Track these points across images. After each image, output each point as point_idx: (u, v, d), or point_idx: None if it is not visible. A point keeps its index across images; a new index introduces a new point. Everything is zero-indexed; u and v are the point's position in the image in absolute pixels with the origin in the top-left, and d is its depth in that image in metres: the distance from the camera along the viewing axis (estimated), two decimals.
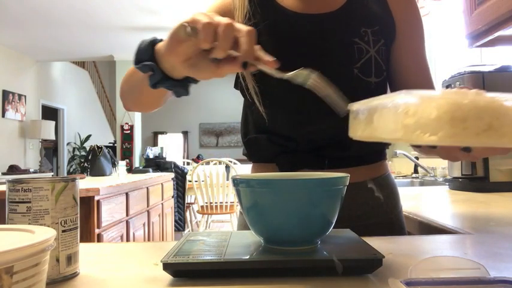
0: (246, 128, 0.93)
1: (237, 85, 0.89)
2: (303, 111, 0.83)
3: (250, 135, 0.91)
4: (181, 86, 0.60)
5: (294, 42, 0.82)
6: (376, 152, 0.90)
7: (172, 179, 4.06)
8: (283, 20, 0.83)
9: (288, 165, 0.84)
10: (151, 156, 5.54)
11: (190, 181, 4.65)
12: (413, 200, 1.31)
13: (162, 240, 3.47)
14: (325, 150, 0.84)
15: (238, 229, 0.95)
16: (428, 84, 0.88)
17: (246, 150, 0.94)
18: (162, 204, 3.54)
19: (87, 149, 8.51)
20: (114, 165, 3.45)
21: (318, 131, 0.83)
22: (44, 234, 0.39)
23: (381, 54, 0.82)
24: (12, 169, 6.60)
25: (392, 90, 0.90)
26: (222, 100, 11.53)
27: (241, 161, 3.97)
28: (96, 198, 2.14)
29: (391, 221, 0.88)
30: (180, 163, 5.64)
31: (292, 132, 0.84)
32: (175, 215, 4.46)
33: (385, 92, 0.85)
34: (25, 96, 7.41)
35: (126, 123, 7.52)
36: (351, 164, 0.85)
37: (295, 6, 0.84)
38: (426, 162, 2.45)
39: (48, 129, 7.41)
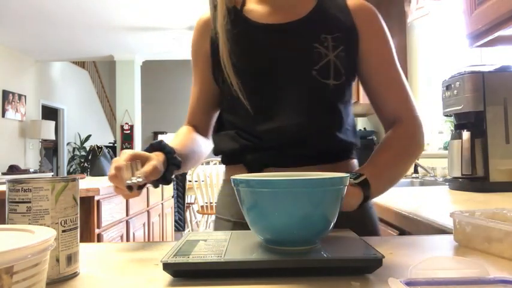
0: (218, 124, 1.00)
1: (218, 82, 0.93)
2: (265, 108, 0.87)
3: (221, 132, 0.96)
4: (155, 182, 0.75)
5: (258, 50, 0.89)
6: (342, 150, 0.92)
7: (172, 178, 4.05)
8: (248, 30, 0.90)
9: (256, 165, 0.88)
10: None
11: (190, 181, 4.65)
12: (414, 200, 1.31)
13: (162, 240, 3.47)
14: (288, 148, 0.86)
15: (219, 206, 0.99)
16: (401, 98, 0.91)
17: (214, 144, 0.98)
18: (162, 204, 3.53)
19: (87, 149, 8.52)
20: None
21: (281, 128, 0.86)
22: (44, 234, 0.39)
23: (340, 59, 0.86)
24: (12, 169, 6.60)
25: (372, 104, 0.95)
26: None
27: None
28: (96, 198, 2.14)
29: (361, 220, 0.88)
30: None
31: (257, 127, 0.88)
32: (175, 215, 4.46)
33: (343, 95, 0.90)
34: (25, 96, 7.41)
35: (126, 123, 7.51)
36: (315, 162, 0.87)
37: (261, 18, 0.91)
38: (426, 162, 2.45)
39: (48, 129, 7.41)
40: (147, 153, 0.73)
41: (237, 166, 0.92)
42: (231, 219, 0.93)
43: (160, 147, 0.77)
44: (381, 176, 0.81)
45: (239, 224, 0.87)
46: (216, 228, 0.98)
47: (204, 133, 0.99)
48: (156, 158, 0.73)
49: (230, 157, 0.95)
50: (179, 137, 0.91)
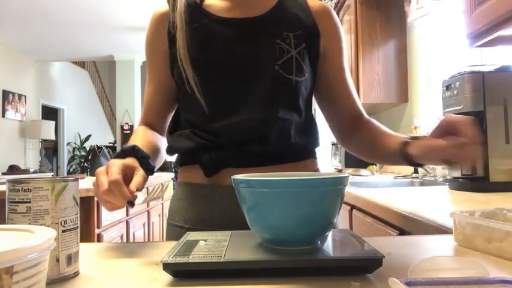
0: (173, 123, 0.96)
1: (175, 78, 0.90)
2: (224, 102, 0.85)
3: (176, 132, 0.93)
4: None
5: (218, 43, 0.86)
6: (303, 149, 0.91)
7: (172, 179, 4.05)
8: (208, 23, 0.88)
9: (212, 165, 0.85)
10: None
11: None
12: (413, 200, 1.31)
13: (162, 240, 3.47)
14: (248, 145, 0.84)
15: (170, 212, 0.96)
16: (349, 98, 0.95)
17: (168, 144, 0.93)
18: (162, 204, 3.53)
19: (87, 149, 8.53)
20: None
21: (241, 123, 0.83)
22: (44, 234, 0.39)
23: (302, 56, 0.87)
24: (12, 169, 6.60)
25: (320, 101, 0.98)
26: None
27: None
28: (96, 198, 2.14)
29: None
30: None
31: (215, 124, 0.85)
32: None
33: (306, 91, 0.90)
34: (25, 96, 7.41)
35: (126, 123, 7.52)
36: (276, 162, 0.85)
37: (221, 12, 0.90)
38: None
39: (48, 129, 7.41)
40: (133, 163, 0.70)
41: (193, 167, 0.88)
42: (185, 225, 0.88)
43: (133, 152, 0.73)
44: None
45: (193, 231, 0.77)
46: (169, 236, 0.93)
47: (159, 133, 0.95)
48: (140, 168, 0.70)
49: (185, 157, 0.91)
50: (142, 138, 0.86)
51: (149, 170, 0.73)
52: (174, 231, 0.90)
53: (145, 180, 0.68)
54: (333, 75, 0.94)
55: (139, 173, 0.68)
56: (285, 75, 0.84)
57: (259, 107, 0.84)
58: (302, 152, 0.91)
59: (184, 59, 0.84)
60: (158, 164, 0.89)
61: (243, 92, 0.84)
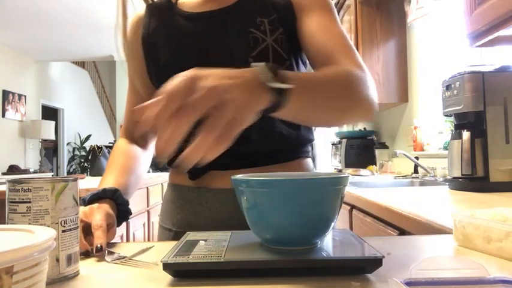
0: None
1: (154, 82, 0.87)
2: None
3: None
4: None
5: (191, 40, 0.83)
6: (292, 148, 0.85)
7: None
8: (180, 22, 0.85)
9: (196, 169, 0.81)
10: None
11: None
12: (413, 200, 1.31)
13: None
14: (231, 147, 0.76)
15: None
16: (347, 53, 0.76)
17: None
18: (162, 204, 3.53)
19: (87, 149, 8.52)
20: None
21: None
22: (44, 234, 0.39)
23: (280, 43, 0.79)
24: (12, 169, 6.60)
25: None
26: None
27: None
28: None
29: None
30: None
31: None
32: None
33: None
34: (25, 96, 7.41)
35: None
36: (263, 163, 0.81)
37: (195, 8, 0.86)
38: (426, 162, 2.45)
39: (48, 129, 7.41)
40: (111, 215, 0.70)
41: (179, 170, 0.85)
42: (173, 228, 0.87)
43: (113, 198, 0.74)
44: (306, 84, 0.58)
45: (181, 234, 0.71)
46: (159, 237, 0.91)
47: (143, 145, 0.92)
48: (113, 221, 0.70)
49: (172, 159, 0.87)
50: (121, 169, 0.83)
51: (124, 218, 0.75)
52: (164, 234, 0.90)
53: (113, 236, 0.69)
54: (317, 35, 0.79)
55: (113, 229, 0.69)
56: None
57: None
58: (291, 150, 0.85)
59: (138, 84, 0.83)
60: (135, 190, 0.87)
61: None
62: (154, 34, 0.87)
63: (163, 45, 0.84)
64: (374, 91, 0.70)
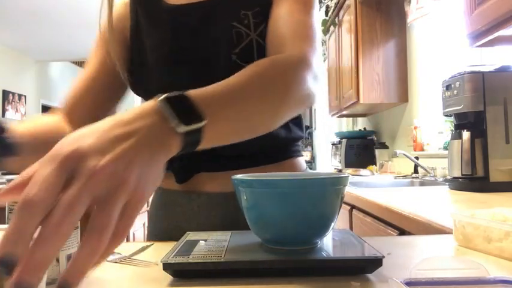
0: None
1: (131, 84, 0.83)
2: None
3: None
4: None
5: (173, 35, 0.79)
6: (282, 147, 0.82)
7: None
8: (162, 14, 0.80)
9: (184, 171, 0.79)
10: None
11: None
12: (413, 200, 1.31)
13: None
14: (215, 149, 0.66)
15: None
16: (297, 43, 0.68)
17: None
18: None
19: None
20: None
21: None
22: None
23: (265, 36, 0.74)
24: None
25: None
26: None
27: None
28: None
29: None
30: None
31: None
32: None
33: None
34: (25, 96, 7.41)
35: None
36: (253, 164, 0.78)
37: (175, 0, 0.81)
38: (426, 162, 2.45)
39: None
40: None
41: (167, 173, 0.77)
42: (155, 238, 0.83)
43: None
44: (220, 101, 0.48)
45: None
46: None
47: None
48: None
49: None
50: (38, 121, 0.74)
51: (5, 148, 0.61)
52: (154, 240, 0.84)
53: None
54: (279, 21, 0.73)
55: None
56: (243, 65, 0.63)
57: None
58: (282, 150, 0.82)
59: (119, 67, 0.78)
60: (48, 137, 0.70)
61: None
62: (139, 26, 0.83)
63: (146, 36, 0.80)
64: (311, 77, 0.62)
